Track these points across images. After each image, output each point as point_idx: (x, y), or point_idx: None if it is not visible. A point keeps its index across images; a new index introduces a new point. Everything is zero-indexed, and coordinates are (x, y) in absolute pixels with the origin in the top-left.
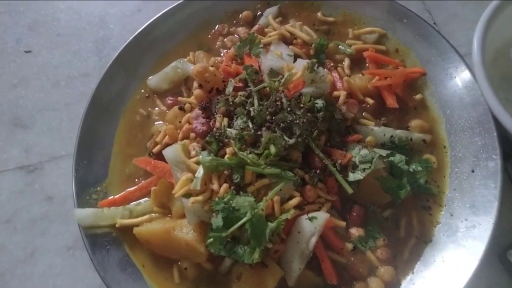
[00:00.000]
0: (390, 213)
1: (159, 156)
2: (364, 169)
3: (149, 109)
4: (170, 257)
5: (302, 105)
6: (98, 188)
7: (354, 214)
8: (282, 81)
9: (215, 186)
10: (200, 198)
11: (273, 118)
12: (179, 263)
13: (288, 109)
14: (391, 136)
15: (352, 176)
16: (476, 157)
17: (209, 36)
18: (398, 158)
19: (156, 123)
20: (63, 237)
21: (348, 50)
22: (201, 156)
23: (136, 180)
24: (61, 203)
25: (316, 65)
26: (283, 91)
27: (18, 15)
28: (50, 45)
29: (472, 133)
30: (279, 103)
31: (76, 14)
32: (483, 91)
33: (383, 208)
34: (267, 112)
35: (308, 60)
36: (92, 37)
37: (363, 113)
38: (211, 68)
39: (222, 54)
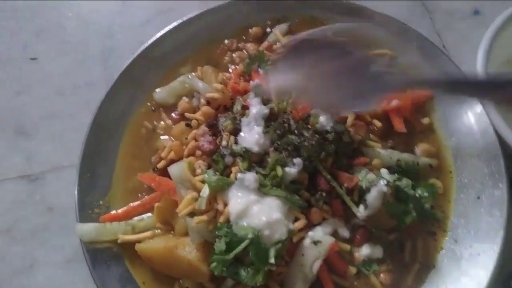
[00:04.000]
0: (394, 237)
1: (164, 171)
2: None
3: (155, 122)
4: (172, 275)
5: (309, 126)
6: (101, 202)
7: (358, 237)
8: (290, 101)
9: (220, 206)
10: (204, 217)
11: (281, 140)
12: (181, 281)
13: (296, 131)
14: (398, 160)
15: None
16: (482, 184)
17: (218, 51)
18: (404, 182)
19: (161, 137)
20: (63, 249)
21: None
22: (206, 175)
23: (139, 194)
24: (62, 215)
25: None
26: (291, 112)
27: (25, 21)
28: (56, 52)
29: (479, 160)
30: (287, 124)
31: (83, 23)
32: (491, 116)
33: (388, 232)
34: (275, 134)
35: None
36: (99, 46)
37: (370, 135)
38: (219, 86)
39: (230, 70)
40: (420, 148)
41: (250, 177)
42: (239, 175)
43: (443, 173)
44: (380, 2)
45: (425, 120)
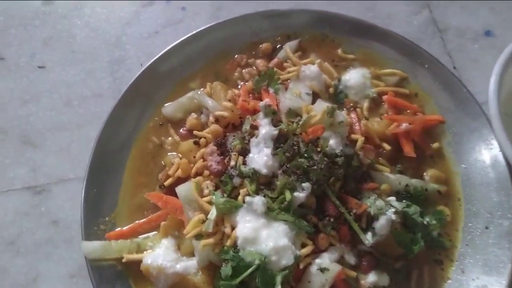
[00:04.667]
0: (401, 265)
1: (170, 189)
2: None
3: (162, 138)
4: None
5: (319, 150)
6: (107, 218)
7: (365, 263)
8: (300, 123)
9: (227, 229)
10: (211, 241)
11: (290, 163)
12: None
13: (305, 154)
14: (406, 185)
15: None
16: (490, 213)
17: (227, 66)
18: (413, 209)
19: (168, 153)
20: (67, 264)
21: (371, 93)
22: (214, 197)
23: (145, 212)
24: (66, 228)
25: (336, 110)
26: (300, 134)
27: (34, 29)
28: (64, 62)
29: (488, 189)
30: (296, 147)
31: (92, 32)
32: (501, 144)
33: (395, 259)
34: (284, 156)
35: (328, 104)
36: (107, 56)
37: (379, 158)
38: (228, 104)
39: (239, 86)
40: (429, 173)
41: (258, 201)
42: (247, 198)
43: (452, 200)
44: (391, 20)
45: (435, 145)
